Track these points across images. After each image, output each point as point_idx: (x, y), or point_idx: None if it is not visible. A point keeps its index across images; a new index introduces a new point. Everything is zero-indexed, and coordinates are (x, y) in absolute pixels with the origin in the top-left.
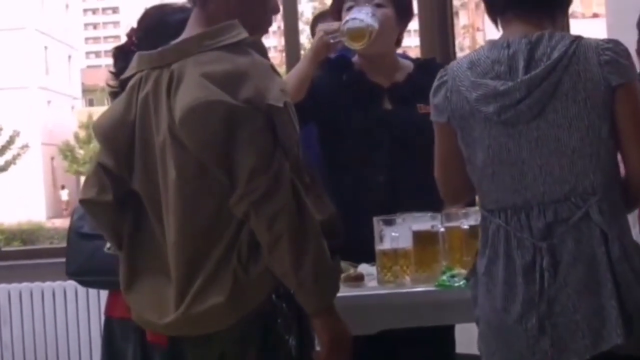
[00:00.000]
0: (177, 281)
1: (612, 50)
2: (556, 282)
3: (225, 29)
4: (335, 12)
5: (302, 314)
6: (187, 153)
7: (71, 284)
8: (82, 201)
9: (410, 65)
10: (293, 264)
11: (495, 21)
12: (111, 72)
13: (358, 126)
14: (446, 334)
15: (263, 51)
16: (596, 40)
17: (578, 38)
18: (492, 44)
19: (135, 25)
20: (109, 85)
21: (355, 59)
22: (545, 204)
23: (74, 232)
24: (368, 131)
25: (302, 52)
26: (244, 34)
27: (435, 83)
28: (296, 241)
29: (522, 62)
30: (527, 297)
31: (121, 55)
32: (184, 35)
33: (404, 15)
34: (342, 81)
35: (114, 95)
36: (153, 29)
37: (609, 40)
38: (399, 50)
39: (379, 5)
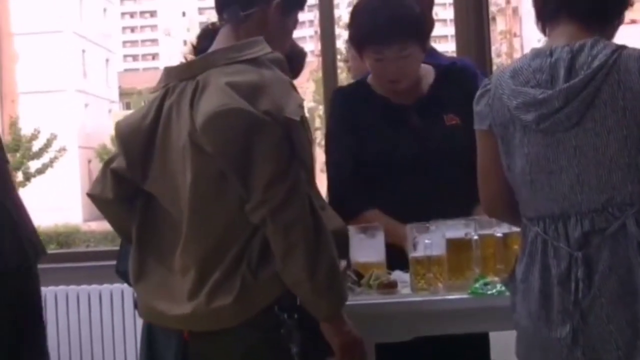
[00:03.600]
0: (190, 278)
1: None
2: (591, 292)
3: (250, 44)
4: (357, 52)
5: (304, 324)
6: (205, 157)
7: (107, 287)
8: (88, 195)
9: (431, 73)
10: (307, 271)
11: (542, 25)
12: (193, 46)
13: (391, 146)
14: (481, 341)
15: (284, 68)
16: (639, 51)
17: (621, 47)
18: (535, 52)
19: None
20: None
21: (370, 80)
22: (582, 214)
23: None
24: (403, 153)
25: (338, 56)
26: (267, 49)
27: (479, 91)
28: (311, 250)
29: (563, 71)
30: (561, 306)
31: (210, 36)
32: (212, 50)
33: (428, 40)
34: (366, 110)
35: None
36: None
37: None
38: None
39: (406, 57)
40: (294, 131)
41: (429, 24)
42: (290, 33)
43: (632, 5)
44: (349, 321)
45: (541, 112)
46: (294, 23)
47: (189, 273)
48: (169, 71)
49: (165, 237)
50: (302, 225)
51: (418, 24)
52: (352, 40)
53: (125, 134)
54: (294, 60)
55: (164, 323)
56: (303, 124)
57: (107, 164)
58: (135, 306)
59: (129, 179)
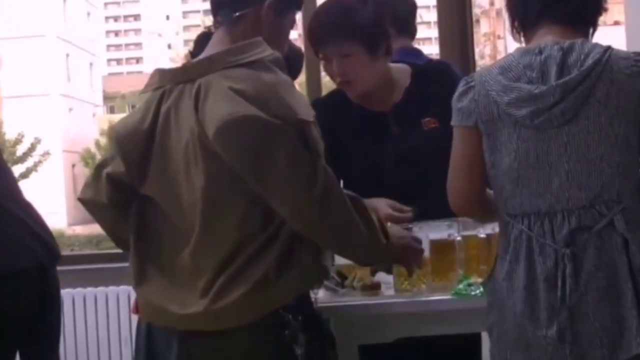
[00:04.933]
0: (202, 279)
1: None
2: (577, 290)
3: (249, 46)
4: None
5: (309, 324)
6: (217, 162)
7: (101, 290)
8: (80, 200)
9: (407, 73)
10: (370, 258)
11: (521, 33)
12: (190, 53)
13: (370, 159)
14: (472, 342)
15: (284, 68)
16: (626, 52)
17: (610, 47)
18: (523, 50)
19: None
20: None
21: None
22: (569, 211)
23: None
24: (384, 160)
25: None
26: (268, 51)
27: (461, 88)
28: (365, 237)
29: (554, 68)
30: (548, 304)
31: (206, 41)
32: (206, 54)
33: (375, 45)
34: (344, 120)
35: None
36: None
37: (639, 53)
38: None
39: (345, 56)
40: (309, 131)
41: (379, 28)
42: (287, 33)
43: (606, 11)
44: (396, 235)
45: (536, 107)
46: (291, 23)
47: (201, 274)
48: (163, 73)
49: (166, 239)
50: (351, 221)
51: (356, 25)
52: (311, 46)
53: (123, 138)
54: (293, 61)
55: (172, 323)
56: (315, 123)
57: (98, 167)
58: (133, 310)
59: (125, 183)
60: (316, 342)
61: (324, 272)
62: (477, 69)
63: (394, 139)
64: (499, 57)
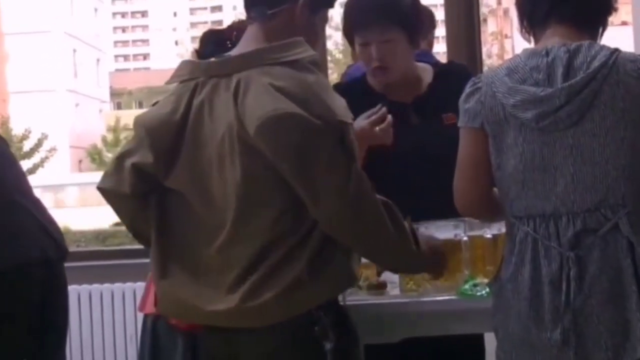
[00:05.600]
0: (232, 275)
1: None
2: (581, 292)
3: (291, 45)
4: (349, 44)
5: (337, 319)
6: (256, 158)
7: (107, 287)
8: (100, 189)
9: (429, 71)
10: (403, 262)
11: (531, 32)
12: (196, 51)
13: (390, 148)
14: (475, 343)
15: (321, 69)
16: (634, 55)
17: (617, 50)
18: (529, 52)
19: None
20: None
21: (368, 78)
22: (574, 213)
23: None
24: (400, 151)
25: (328, 57)
26: (309, 52)
27: (468, 89)
28: (391, 238)
29: (560, 70)
30: (552, 306)
31: (213, 40)
32: (240, 50)
33: (416, 33)
34: (364, 108)
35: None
36: None
37: None
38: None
39: (386, 41)
40: (347, 133)
41: (419, 18)
42: (319, 32)
43: (616, 10)
44: (425, 246)
45: (541, 110)
46: (323, 21)
47: (229, 271)
48: (195, 65)
49: (190, 233)
50: (382, 226)
51: (401, 11)
52: (344, 32)
53: (153, 129)
54: None
55: (195, 318)
56: (353, 125)
57: (121, 158)
58: (139, 308)
59: (149, 174)
60: (344, 339)
61: (353, 277)
62: (485, 68)
63: (413, 130)
64: (506, 56)
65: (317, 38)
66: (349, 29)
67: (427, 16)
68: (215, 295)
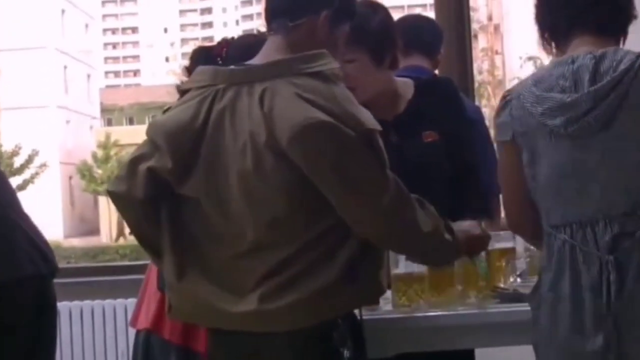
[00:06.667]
0: (252, 280)
1: None
2: (622, 297)
3: (316, 57)
4: None
5: (355, 327)
6: (284, 167)
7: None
8: (111, 193)
9: (410, 87)
10: (439, 251)
11: (555, 43)
12: (186, 68)
13: None
14: (466, 358)
15: (343, 81)
16: None
17: None
18: (556, 61)
19: (233, 38)
20: (181, 82)
21: None
22: (610, 218)
23: None
24: None
25: None
26: (332, 64)
27: (499, 104)
28: (428, 236)
29: (587, 75)
30: (593, 311)
31: (203, 56)
32: (262, 59)
33: (381, 54)
34: None
35: (182, 92)
36: (247, 50)
37: None
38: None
39: (349, 61)
40: (376, 141)
41: (387, 37)
42: (339, 45)
43: (635, 18)
44: (460, 230)
45: (569, 116)
46: (344, 34)
47: (251, 277)
48: (217, 72)
49: (205, 239)
50: (419, 226)
51: (365, 31)
52: None
53: (174, 134)
54: None
55: (216, 322)
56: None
57: (134, 162)
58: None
59: (163, 179)
60: (361, 347)
61: (380, 289)
62: (475, 84)
63: (392, 148)
64: (496, 72)
65: (338, 50)
66: None
67: (438, 33)
68: (236, 298)
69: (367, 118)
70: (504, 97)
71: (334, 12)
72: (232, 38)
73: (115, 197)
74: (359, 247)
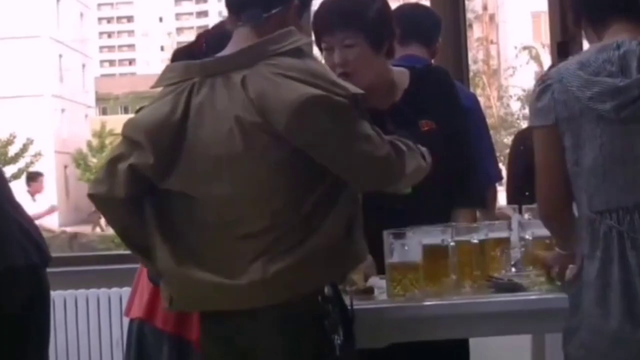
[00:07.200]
0: (250, 255)
1: None
2: None
3: (286, 35)
4: (316, 43)
5: (346, 315)
6: (283, 146)
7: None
8: (91, 196)
9: (406, 76)
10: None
11: (592, 28)
12: None
13: None
14: (460, 348)
15: (313, 53)
16: None
17: None
18: (600, 46)
19: (209, 29)
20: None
21: None
22: None
23: None
24: None
25: None
26: (304, 39)
27: (538, 88)
28: (424, 168)
29: (635, 62)
30: None
31: (186, 55)
32: (231, 51)
33: (379, 41)
34: None
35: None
36: (226, 38)
37: None
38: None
39: (348, 46)
40: (362, 103)
41: (386, 24)
42: (303, 32)
43: None
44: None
45: (620, 101)
46: (307, 23)
47: (249, 254)
48: (188, 66)
49: (195, 231)
50: (418, 164)
51: (364, 17)
52: (314, 38)
53: (153, 130)
54: None
55: (216, 303)
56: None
57: (113, 162)
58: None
59: (144, 176)
60: (351, 335)
61: (366, 250)
62: (470, 74)
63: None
64: (492, 61)
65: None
66: (316, 35)
67: (435, 22)
68: (232, 281)
69: (349, 85)
70: (542, 80)
71: (302, 1)
72: (208, 29)
73: (96, 199)
74: (345, 216)
